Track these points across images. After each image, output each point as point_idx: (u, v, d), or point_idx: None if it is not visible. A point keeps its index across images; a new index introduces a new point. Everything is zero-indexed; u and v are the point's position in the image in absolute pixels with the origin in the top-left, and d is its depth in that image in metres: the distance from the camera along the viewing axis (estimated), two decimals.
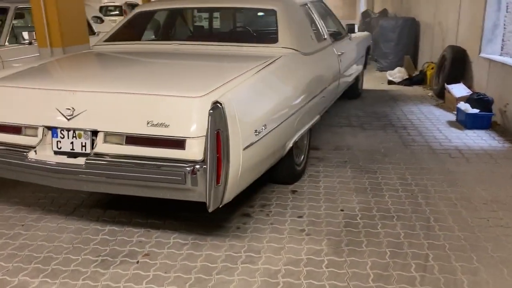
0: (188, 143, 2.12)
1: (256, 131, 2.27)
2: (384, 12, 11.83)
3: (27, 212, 3.02)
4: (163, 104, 2.19)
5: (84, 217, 2.93)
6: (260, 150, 2.36)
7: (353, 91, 6.16)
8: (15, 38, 4.54)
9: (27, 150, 2.38)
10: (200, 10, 4.40)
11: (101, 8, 15.11)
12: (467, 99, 4.94)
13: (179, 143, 2.13)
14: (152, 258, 2.44)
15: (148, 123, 2.19)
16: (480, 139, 4.41)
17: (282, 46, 3.17)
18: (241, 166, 2.16)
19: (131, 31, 3.75)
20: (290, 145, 2.95)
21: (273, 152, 2.60)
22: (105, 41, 3.63)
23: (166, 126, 2.16)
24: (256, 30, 3.98)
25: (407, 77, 7.48)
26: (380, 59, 8.98)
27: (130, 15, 3.85)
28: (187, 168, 2.07)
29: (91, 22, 6.26)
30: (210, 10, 4.29)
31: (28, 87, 2.50)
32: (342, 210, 2.99)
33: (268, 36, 3.22)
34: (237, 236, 2.68)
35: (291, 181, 3.36)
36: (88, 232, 2.74)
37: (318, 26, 4.05)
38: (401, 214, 2.92)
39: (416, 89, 7.05)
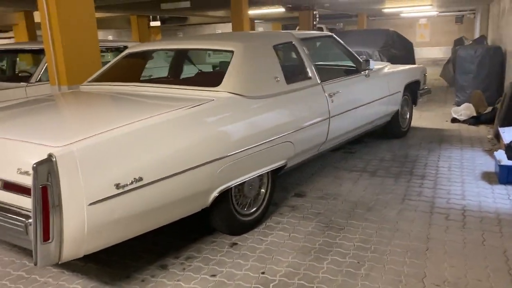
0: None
1: (118, 184, 2.16)
2: (480, 40, 10.58)
3: None
4: (29, 151, 2.21)
5: (23, 251, 3.08)
6: (129, 203, 2.23)
7: (393, 130, 5.58)
8: (47, 76, 5.07)
9: None
10: (149, 53, 4.39)
11: None
12: (507, 147, 4.10)
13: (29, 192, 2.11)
14: None
15: (17, 170, 2.23)
16: (506, 199, 3.61)
17: (221, 90, 3.01)
18: (87, 222, 2.07)
19: (117, 71, 3.92)
20: (215, 194, 2.76)
21: (165, 204, 2.44)
22: (91, 80, 3.84)
23: (29, 174, 2.17)
24: (210, 73, 3.85)
25: (474, 115, 6.53)
26: (458, 93, 8.02)
27: (120, 56, 4.03)
28: (25, 219, 2.06)
29: None
30: (172, 51, 4.25)
31: None
32: (262, 273, 2.67)
33: (215, 78, 3.08)
34: None
35: (234, 233, 3.13)
36: (14, 267, 2.87)
37: (304, 65, 3.77)
38: (323, 286, 2.50)
39: (480, 130, 6.10)
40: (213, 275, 2.68)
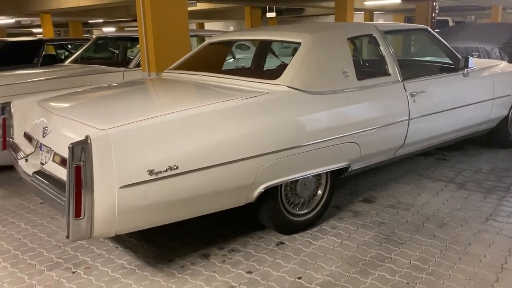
0: None
1: (151, 171, 2.21)
2: None
3: None
4: (82, 130, 2.36)
5: None
6: (162, 190, 2.27)
7: (499, 139, 4.89)
8: None
9: (21, 158, 2.93)
10: (230, 43, 4.31)
11: None
12: None
13: None
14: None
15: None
16: None
17: (279, 83, 2.89)
18: (118, 204, 2.15)
19: (196, 61, 4.03)
20: (260, 190, 2.68)
21: (201, 195, 2.43)
22: (170, 69, 4.01)
23: None
24: (281, 65, 3.68)
25: None
26: None
27: (200, 46, 4.14)
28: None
29: None
30: (232, 44, 4.15)
31: (43, 106, 3.07)
32: (299, 278, 2.54)
33: (276, 71, 2.97)
34: (171, 274, 2.62)
35: (282, 232, 3.02)
36: None
37: (383, 60, 3.46)
38: None
39: None
40: (249, 272, 2.62)
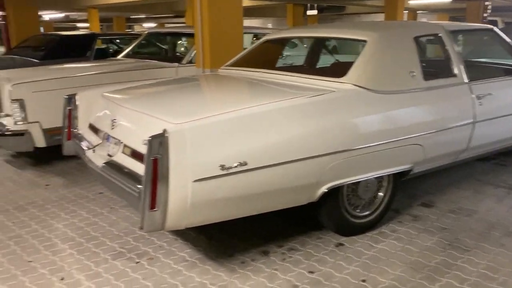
0: None
1: (223, 166, 2.22)
2: None
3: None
4: (153, 124, 2.40)
5: None
6: (232, 186, 2.28)
7: None
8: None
9: (89, 148, 3.02)
10: (287, 41, 4.28)
11: None
12: None
13: None
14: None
15: (143, 141, 2.46)
16: None
17: (345, 81, 2.84)
18: (190, 197, 2.17)
19: (253, 57, 4.03)
20: (323, 190, 2.66)
21: (267, 191, 2.43)
22: (227, 65, 4.03)
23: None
24: (344, 63, 3.60)
25: None
26: None
27: (258, 43, 4.14)
28: (138, 186, 2.25)
29: None
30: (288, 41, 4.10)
31: (109, 99, 3.14)
32: (363, 281, 2.49)
33: (344, 69, 2.92)
34: (233, 269, 2.63)
35: (341, 233, 2.98)
36: None
37: (449, 61, 3.35)
38: None
39: None
40: (311, 272, 2.60)
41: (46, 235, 3.11)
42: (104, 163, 2.71)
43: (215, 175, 2.21)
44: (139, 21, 30.01)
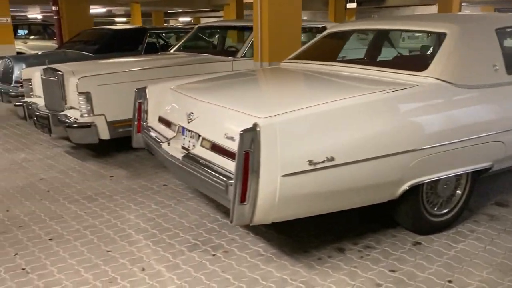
0: None
1: (311, 161, 2.18)
2: None
3: (190, 192, 3.76)
4: (236, 119, 2.40)
5: (219, 207, 3.42)
6: (319, 181, 2.24)
7: None
8: (252, 52, 5.48)
9: (163, 142, 3.05)
10: (350, 34, 4.19)
11: None
12: None
13: (233, 156, 2.30)
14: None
15: (225, 135, 2.47)
16: None
17: (428, 75, 2.75)
18: (279, 192, 2.15)
19: (316, 50, 3.98)
20: (405, 187, 2.59)
21: (352, 188, 2.38)
22: (290, 58, 4.00)
23: (234, 139, 2.37)
24: (412, 56, 3.49)
25: None
26: None
27: (321, 35, 4.08)
28: (227, 180, 2.25)
29: None
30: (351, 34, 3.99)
31: (181, 92, 3.16)
32: (449, 282, 2.42)
33: (419, 63, 2.83)
34: (311, 265, 2.61)
35: (418, 231, 2.90)
36: (208, 219, 3.22)
37: None
38: None
39: None
40: (392, 271, 2.54)
41: (119, 226, 3.17)
42: (184, 156, 2.73)
43: (303, 170, 2.19)
44: (175, 15, 30.37)
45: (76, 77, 4.27)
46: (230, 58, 5.29)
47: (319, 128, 2.26)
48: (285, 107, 2.34)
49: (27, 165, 4.61)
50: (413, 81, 2.74)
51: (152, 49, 7.35)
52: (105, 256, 2.76)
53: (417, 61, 2.90)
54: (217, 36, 6.73)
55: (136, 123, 3.54)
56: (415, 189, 2.68)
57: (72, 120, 4.19)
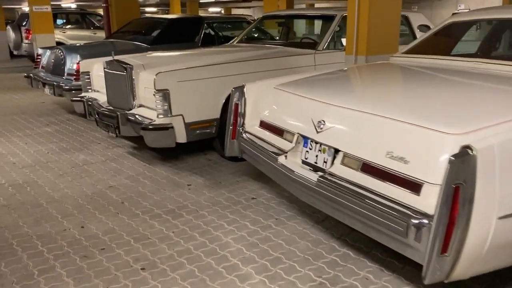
0: (424, 189, 1.70)
1: None
2: None
3: (286, 208, 3.22)
4: (409, 134, 1.83)
5: (328, 230, 2.87)
6: None
7: None
8: (334, 44, 4.88)
9: (280, 154, 2.49)
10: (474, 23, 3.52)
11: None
12: None
13: (414, 186, 1.74)
14: None
15: (387, 153, 1.89)
16: None
17: None
18: (490, 239, 1.57)
19: (435, 44, 3.36)
20: None
21: None
22: (404, 53, 3.39)
23: (406, 162, 1.80)
24: None
25: None
26: None
27: (440, 25, 3.45)
28: (413, 220, 1.67)
29: (417, 31, 6.05)
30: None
31: (295, 93, 2.60)
32: None
33: None
34: None
35: None
36: (324, 248, 2.67)
37: None
38: None
39: None
40: None
41: (219, 252, 2.65)
42: (321, 177, 2.16)
43: None
44: (205, 5, 29.83)
45: (151, 72, 3.76)
46: (311, 50, 4.69)
47: None
48: (481, 119, 1.75)
49: (90, 168, 4.15)
50: None
51: (208, 41, 6.82)
52: None
53: None
54: (283, 26, 6.13)
55: (231, 127, 3.00)
56: None
57: (147, 121, 3.67)
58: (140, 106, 4.06)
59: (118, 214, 3.18)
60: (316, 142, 2.31)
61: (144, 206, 3.31)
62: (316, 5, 25.96)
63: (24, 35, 12.76)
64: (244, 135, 2.94)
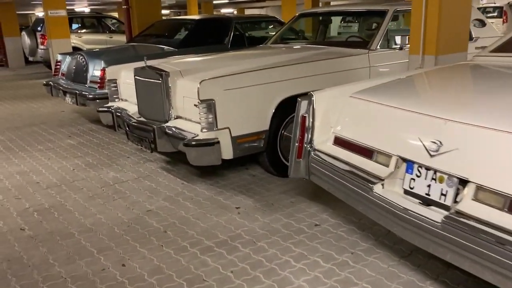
0: None
1: None
2: None
3: (360, 238, 2.72)
4: None
5: (419, 268, 2.37)
6: None
7: None
8: (387, 42, 4.36)
9: (374, 182, 1.99)
10: None
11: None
12: None
13: None
14: None
15: None
16: None
17: None
18: None
19: None
20: None
21: None
22: (492, 51, 2.87)
23: None
24: None
25: None
26: None
27: None
28: None
29: (471, 26, 5.51)
30: None
31: (388, 104, 2.10)
32: None
33: None
34: None
35: None
36: None
37: None
38: None
39: None
40: None
41: None
42: (448, 218, 1.66)
43: None
44: (218, 6, 29.46)
45: (192, 79, 3.30)
46: (363, 50, 4.18)
47: None
48: None
49: (122, 188, 3.70)
50: None
51: (238, 42, 6.34)
52: None
53: None
54: (321, 25, 5.62)
55: (297, 144, 2.51)
56: None
57: (189, 136, 3.20)
58: (178, 117, 3.60)
59: (163, 247, 2.72)
60: (429, 169, 1.81)
61: (191, 235, 2.84)
62: (336, 3, 25.38)
63: (39, 40, 12.44)
64: (313, 153, 2.45)
